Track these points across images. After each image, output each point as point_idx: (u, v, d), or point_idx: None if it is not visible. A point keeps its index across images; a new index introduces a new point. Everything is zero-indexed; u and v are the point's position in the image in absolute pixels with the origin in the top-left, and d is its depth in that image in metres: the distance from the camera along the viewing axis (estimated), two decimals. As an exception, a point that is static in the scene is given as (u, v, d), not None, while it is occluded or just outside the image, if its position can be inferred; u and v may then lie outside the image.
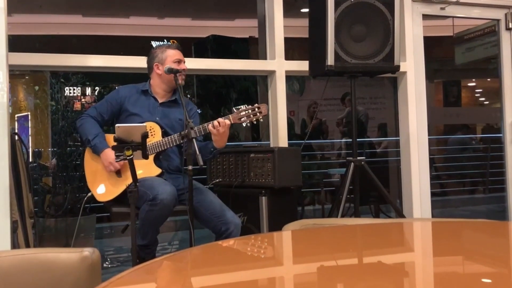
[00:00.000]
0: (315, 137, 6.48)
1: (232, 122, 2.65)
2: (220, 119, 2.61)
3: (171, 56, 2.82)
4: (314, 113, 6.66)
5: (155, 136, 2.73)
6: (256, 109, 2.66)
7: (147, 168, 2.67)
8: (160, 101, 2.85)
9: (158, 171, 2.70)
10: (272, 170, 2.99)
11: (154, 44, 7.55)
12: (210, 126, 2.60)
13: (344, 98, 6.25)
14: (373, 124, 7.26)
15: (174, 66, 2.77)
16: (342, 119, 6.40)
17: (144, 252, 2.68)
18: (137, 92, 2.86)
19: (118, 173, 2.70)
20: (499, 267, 1.20)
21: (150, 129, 2.71)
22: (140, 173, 2.56)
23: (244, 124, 2.70)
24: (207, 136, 2.73)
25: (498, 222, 2.05)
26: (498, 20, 4.10)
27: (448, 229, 1.71)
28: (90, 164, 2.79)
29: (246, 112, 2.66)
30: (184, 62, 2.85)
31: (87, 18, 7.26)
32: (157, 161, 2.73)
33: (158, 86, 2.86)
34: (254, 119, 2.66)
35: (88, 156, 2.81)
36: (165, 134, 2.75)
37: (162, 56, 2.83)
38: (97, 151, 2.72)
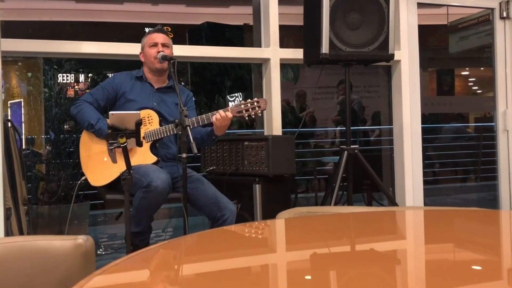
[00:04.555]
0: (304, 126, 6.50)
1: (231, 115, 2.67)
2: (222, 113, 2.61)
3: (148, 41, 2.84)
4: (303, 102, 6.68)
5: (153, 123, 2.73)
6: (256, 103, 2.67)
7: (143, 156, 2.67)
8: (156, 86, 2.85)
9: (153, 159, 2.70)
10: (266, 158, 3.00)
11: (147, 31, 7.50)
12: (214, 118, 2.61)
13: (339, 85, 6.26)
14: (367, 113, 7.28)
15: (149, 50, 2.79)
16: (338, 119, 6.40)
17: (137, 239, 2.69)
18: (132, 78, 2.86)
19: (114, 159, 2.70)
20: (489, 254, 1.22)
21: (148, 117, 2.72)
22: (135, 161, 2.57)
23: (246, 117, 2.72)
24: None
25: (489, 211, 2.07)
26: (492, 9, 4.09)
27: (440, 217, 1.72)
28: (86, 148, 2.79)
29: (245, 106, 2.67)
30: (166, 44, 2.80)
31: (80, 4, 7.19)
32: (153, 149, 2.73)
33: (147, 72, 2.87)
34: (253, 113, 2.67)
35: (84, 140, 2.80)
36: (163, 121, 2.76)
37: (143, 42, 2.87)
38: (102, 134, 2.70)
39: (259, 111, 2.67)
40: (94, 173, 2.74)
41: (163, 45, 2.80)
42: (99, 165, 2.73)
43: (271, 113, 3.49)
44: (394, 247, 1.37)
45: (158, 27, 2.90)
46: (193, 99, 3.03)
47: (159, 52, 2.76)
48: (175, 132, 2.66)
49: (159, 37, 2.81)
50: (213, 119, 2.62)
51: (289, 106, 6.65)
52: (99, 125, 2.71)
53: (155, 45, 2.80)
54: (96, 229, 5.04)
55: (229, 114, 2.62)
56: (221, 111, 2.63)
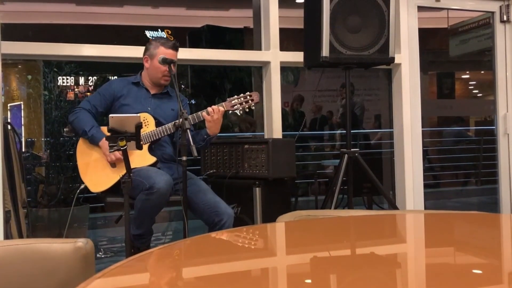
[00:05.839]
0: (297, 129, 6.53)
1: (225, 109, 2.73)
2: (214, 106, 2.70)
3: (160, 53, 2.75)
4: (296, 108, 6.71)
5: (149, 126, 2.74)
6: (248, 97, 2.77)
7: (141, 158, 2.67)
8: (152, 92, 2.85)
9: (152, 159, 2.70)
10: (266, 161, 2.99)
11: (148, 33, 7.51)
12: (204, 113, 2.68)
13: (343, 88, 6.26)
14: (368, 116, 7.28)
15: (160, 67, 2.73)
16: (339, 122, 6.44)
17: (139, 242, 2.69)
18: (129, 83, 2.87)
19: (112, 163, 2.69)
20: (489, 258, 1.22)
21: (144, 119, 2.72)
22: (135, 163, 2.56)
23: (238, 113, 2.81)
24: (199, 126, 2.78)
25: (489, 214, 2.07)
26: (492, 13, 4.10)
27: (440, 221, 1.72)
28: (83, 155, 2.78)
29: (239, 99, 2.76)
30: (174, 64, 2.72)
31: (80, 7, 7.20)
32: (150, 151, 2.74)
33: (146, 78, 2.87)
34: (247, 106, 2.77)
35: (81, 147, 2.79)
36: (158, 124, 2.76)
37: (153, 52, 2.79)
38: (95, 141, 2.71)
39: (252, 104, 2.77)
40: (93, 179, 2.73)
41: (175, 64, 2.73)
42: (98, 171, 2.73)
43: (271, 116, 3.49)
44: (395, 250, 1.36)
45: (174, 43, 2.83)
46: (188, 104, 3.05)
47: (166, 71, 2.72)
48: (171, 131, 2.69)
49: (174, 55, 2.76)
50: (204, 113, 2.67)
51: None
52: (92, 132, 2.70)
53: (168, 62, 2.70)
54: (96, 232, 5.04)
55: (221, 108, 2.69)
56: (213, 106, 2.69)
